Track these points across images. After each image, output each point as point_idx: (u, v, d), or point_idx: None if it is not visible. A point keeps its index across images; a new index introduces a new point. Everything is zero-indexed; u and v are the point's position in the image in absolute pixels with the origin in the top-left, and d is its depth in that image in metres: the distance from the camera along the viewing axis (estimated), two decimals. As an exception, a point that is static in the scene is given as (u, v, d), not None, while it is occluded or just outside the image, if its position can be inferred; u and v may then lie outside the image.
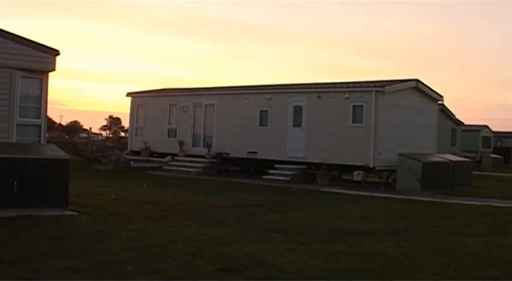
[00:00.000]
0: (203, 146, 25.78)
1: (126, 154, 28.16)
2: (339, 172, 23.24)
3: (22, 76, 12.37)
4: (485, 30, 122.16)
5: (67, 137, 79.89)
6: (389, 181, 22.33)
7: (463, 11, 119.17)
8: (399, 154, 20.69)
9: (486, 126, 44.88)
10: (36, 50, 12.38)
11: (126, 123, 67.51)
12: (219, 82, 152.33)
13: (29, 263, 7.08)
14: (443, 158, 22.86)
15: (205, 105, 26.37)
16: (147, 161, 27.03)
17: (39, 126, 12.72)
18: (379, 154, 21.05)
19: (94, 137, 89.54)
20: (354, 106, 21.66)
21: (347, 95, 21.90)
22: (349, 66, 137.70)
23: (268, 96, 24.23)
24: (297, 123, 23.13)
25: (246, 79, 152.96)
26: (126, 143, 31.18)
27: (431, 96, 24.24)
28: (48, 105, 12.85)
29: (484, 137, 43.79)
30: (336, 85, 23.47)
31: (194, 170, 24.34)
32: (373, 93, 21.26)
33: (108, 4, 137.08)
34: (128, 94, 30.09)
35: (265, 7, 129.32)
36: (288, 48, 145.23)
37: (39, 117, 12.70)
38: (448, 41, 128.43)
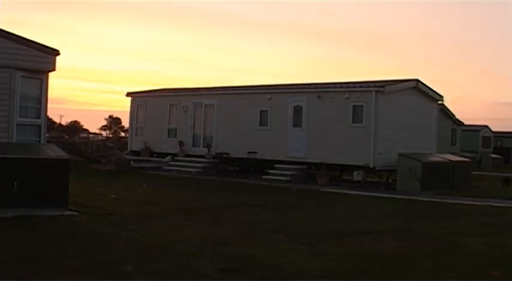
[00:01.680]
0: (203, 146, 25.78)
1: (126, 154, 28.15)
2: (339, 172, 23.24)
3: (22, 76, 12.37)
4: (486, 25, 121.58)
5: (67, 137, 79.85)
6: (389, 181, 22.31)
7: (463, 5, 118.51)
8: (399, 154, 20.68)
9: (486, 126, 44.88)
10: (36, 50, 12.38)
11: (126, 123, 67.54)
12: (219, 80, 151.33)
13: (29, 263, 7.08)
14: (443, 158, 22.86)
15: (205, 105, 26.37)
16: (147, 161, 27.00)
17: (39, 126, 12.73)
18: (379, 154, 21.04)
19: (94, 137, 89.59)
20: (354, 106, 21.65)
21: (347, 95, 21.89)
22: (347, 62, 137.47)
23: (268, 96, 24.22)
24: (297, 123, 23.13)
25: (245, 76, 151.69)
26: (126, 143, 31.17)
27: (431, 96, 24.24)
28: (48, 105, 12.88)
29: (484, 137, 43.78)
30: (336, 85, 23.46)
31: (194, 170, 24.33)
32: (373, 93, 21.26)
33: (109, 2, 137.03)
34: (128, 94, 30.07)
35: (266, 1, 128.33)
36: (287, 44, 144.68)
37: (39, 117, 12.70)
38: (447, 36, 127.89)
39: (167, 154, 26.70)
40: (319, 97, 22.69)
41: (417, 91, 23.38)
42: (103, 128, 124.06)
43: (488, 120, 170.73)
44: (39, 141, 12.63)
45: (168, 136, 27.42)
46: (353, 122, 21.59)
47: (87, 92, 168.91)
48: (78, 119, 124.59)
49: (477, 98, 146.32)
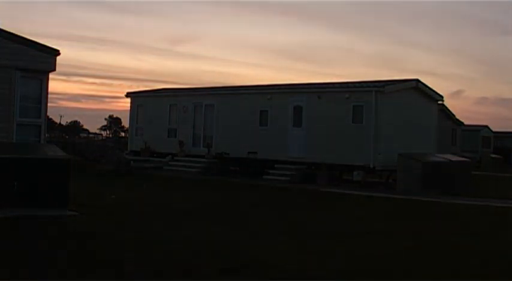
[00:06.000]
0: (203, 146, 25.78)
1: (126, 154, 28.15)
2: (339, 172, 23.24)
3: (22, 76, 12.38)
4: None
5: (67, 137, 79.85)
6: (389, 181, 22.32)
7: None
8: (399, 154, 20.67)
9: (486, 127, 44.91)
10: (36, 50, 12.39)
11: (126, 123, 67.48)
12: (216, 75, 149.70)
13: (29, 263, 7.08)
14: (443, 158, 22.84)
15: (205, 105, 26.38)
16: (147, 161, 27.00)
17: (39, 126, 12.73)
18: (379, 154, 21.05)
19: (94, 137, 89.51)
20: (354, 106, 21.66)
21: (347, 95, 21.90)
22: (338, 49, 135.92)
23: (268, 96, 24.23)
24: (297, 123, 23.13)
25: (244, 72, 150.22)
26: (126, 143, 31.17)
27: (431, 96, 24.23)
28: (48, 105, 12.88)
29: (484, 137, 43.79)
30: (336, 85, 23.49)
31: (194, 170, 24.33)
32: (373, 93, 21.27)
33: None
34: (128, 94, 30.08)
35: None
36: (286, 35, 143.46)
37: (39, 117, 12.71)
38: (445, 30, 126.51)
39: (167, 154, 26.71)
40: (319, 97, 22.69)
41: (417, 91, 23.38)
42: (103, 128, 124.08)
43: (488, 119, 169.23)
44: (39, 141, 12.63)
45: (168, 136, 27.43)
46: (353, 122, 21.60)
47: (87, 91, 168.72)
48: (78, 119, 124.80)
49: (477, 93, 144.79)
